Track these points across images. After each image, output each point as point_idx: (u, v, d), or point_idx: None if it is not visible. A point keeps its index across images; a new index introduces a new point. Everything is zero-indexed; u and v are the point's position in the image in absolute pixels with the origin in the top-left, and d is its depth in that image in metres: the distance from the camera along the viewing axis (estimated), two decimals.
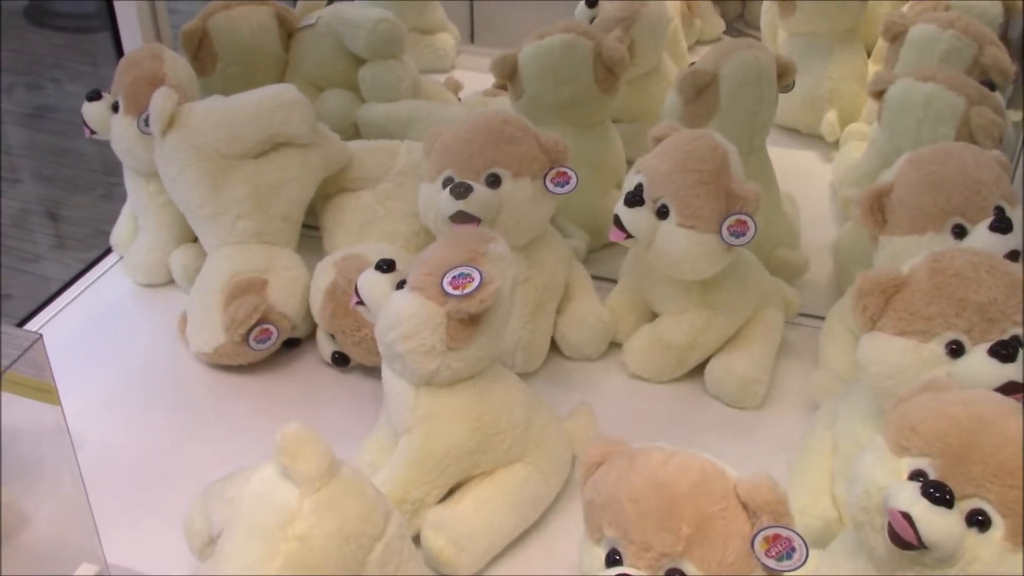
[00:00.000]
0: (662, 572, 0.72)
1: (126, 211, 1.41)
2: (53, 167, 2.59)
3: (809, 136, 1.72)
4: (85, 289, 1.37)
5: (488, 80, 1.47)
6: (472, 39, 2.30)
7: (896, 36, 1.45)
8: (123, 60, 1.31)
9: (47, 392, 0.70)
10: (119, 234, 1.41)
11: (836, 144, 1.68)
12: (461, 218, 1.10)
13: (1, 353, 0.71)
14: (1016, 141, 1.28)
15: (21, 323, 1.30)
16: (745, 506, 0.73)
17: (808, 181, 1.61)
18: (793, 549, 0.72)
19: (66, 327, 1.30)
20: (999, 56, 1.35)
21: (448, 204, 1.10)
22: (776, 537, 0.72)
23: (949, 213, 1.03)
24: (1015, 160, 1.26)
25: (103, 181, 2.50)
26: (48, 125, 2.78)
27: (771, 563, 0.72)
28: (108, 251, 1.43)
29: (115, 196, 2.31)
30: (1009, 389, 0.83)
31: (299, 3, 1.57)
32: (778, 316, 1.22)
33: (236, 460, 0.86)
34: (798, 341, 1.25)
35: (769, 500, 0.72)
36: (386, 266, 0.97)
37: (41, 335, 0.69)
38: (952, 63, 1.37)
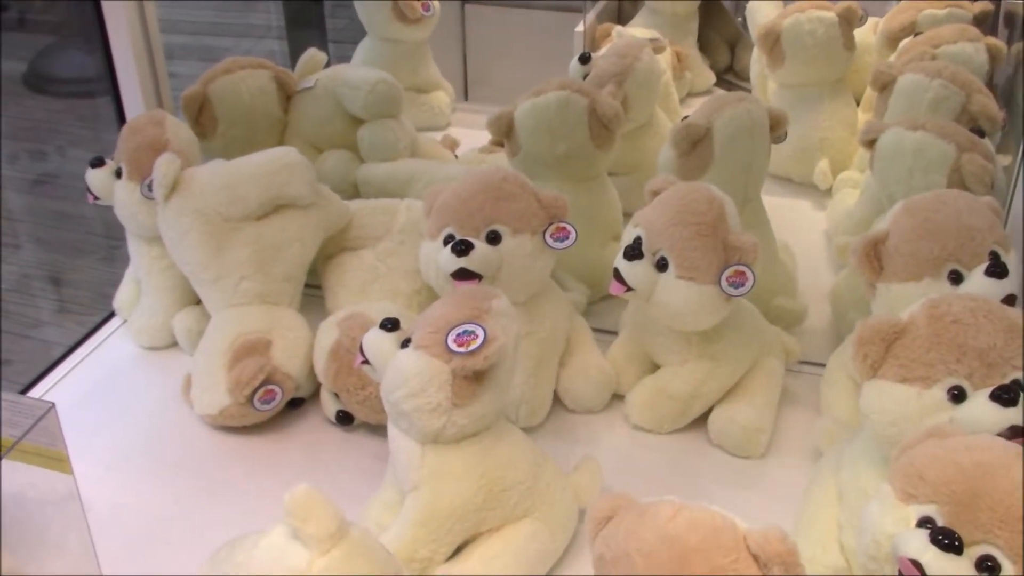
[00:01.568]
0: None
1: (129, 275, 1.42)
2: (54, 231, 2.60)
3: (802, 185, 1.74)
4: (89, 354, 1.37)
5: (483, 136, 1.49)
6: (466, 96, 2.34)
7: (885, 86, 1.47)
8: (126, 127, 1.33)
9: (59, 461, 0.71)
10: (122, 298, 1.42)
11: (829, 192, 1.70)
12: (462, 275, 1.11)
13: (11, 422, 0.71)
14: (1007, 186, 1.30)
15: (25, 389, 1.30)
16: (756, 558, 0.73)
17: (803, 229, 1.63)
18: None
19: (71, 392, 1.30)
20: (987, 104, 1.38)
21: (449, 261, 1.12)
22: None
23: (945, 259, 1.05)
24: (1007, 203, 1.27)
25: (104, 245, 2.51)
26: (50, 191, 2.80)
27: None
28: (111, 315, 1.44)
29: (117, 259, 2.33)
30: (1012, 433, 0.84)
31: (297, 65, 1.60)
32: (778, 365, 1.23)
33: (242, 522, 0.86)
34: (799, 389, 1.26)
35: (780, 551, 0.72)
36: (390, 325, 0.98)
37: (53, 404, 0.70)
38: (941, 112, 1.39)
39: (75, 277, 2.43)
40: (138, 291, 1.39)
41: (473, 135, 1.77)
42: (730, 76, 2.19)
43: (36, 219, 2.67)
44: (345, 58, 2.31)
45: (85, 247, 2.54)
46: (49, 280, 2.44)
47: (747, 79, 1.97)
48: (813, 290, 1.43)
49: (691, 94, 2.08)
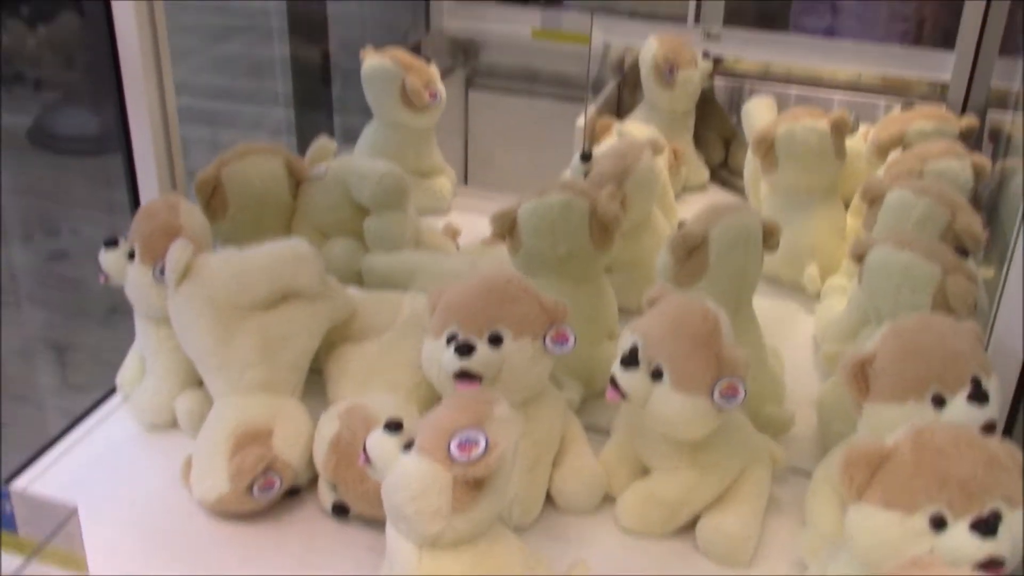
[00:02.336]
0: None
1: (134, 352, 1.44)
2: (55, 293, 2.62)
3: (791, 287, 1.79)
4: (90, 430, 1.39)
5: (484, 222, 1.52)
6: (466, 180, 2.40)
7: (875, 200, 1.53)
8: (141, 210, 1.37)
9: (76, 564, 0.73)
10: (125, 375, 1.44)
11: (818, 295, 1.74)
12: (464, 376, 1.15)
13: (30, 520, 0.73)
14: (989, 305, 1.35)
15: (26, 464, 1.32)
16: None
17: (791, 332, 1.67)
18: None
19: (70, 469, 1.32)
20: (971, 223, 1.43)
21: (451, 362, 1.15)
22: None
23: (929, 383, 1.09)
24: (990, 320, 1.32)
25: (105, 308, 2.53)
26: (49, 246, 2.82)
27: None
28: (112, 390, 1.46)
29: (118, 324, 2.34)
30: (990, 565, 0.87)
31: (308, 153, 1.65)
32: (766, 473, 1.26)
33: None
34: (785, 496, 1.29)
35: None
36: (394, 427, 1.01)
37: (76, 509, 0.72)
38: (927, 228, 1.45)
39: (76, 340, 2.44)
40: (142, 368, 1.42)
41: (474, 221, 1.81)
42: (724, 172, 2.26)
43: (37, 280, 2.69)
44: (350, 128, 2.37)
45: (86, 309, 2.55)
46: (49, 343, 2.46)
47: (741, 175, 2.03)
48: (800, 395, 1.47)
49: (686, 189, 2.14)
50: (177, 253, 1.25)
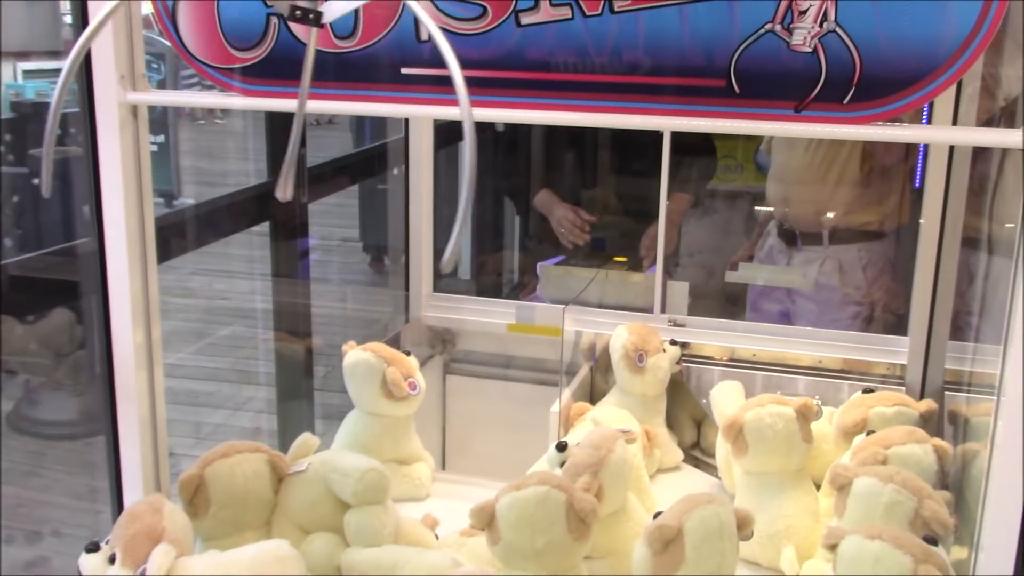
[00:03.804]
0: None
1: None
2: None
3: (770, 570, 1.79)
4: None
5: (462, 510, 1.53)
6: (444, 465, 2.43)
7: (842, 486, 1.57)
8: (124, 513, 1.39)
9: None
10: None
11: None
12: None
13: None
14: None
15: None
16: None
17: None
18: None
19: None
20: (937, 510, 1.47)
21: None
22: None
23: None
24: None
25: None
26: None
27: None
28: None
29: None
30: None
31: (291, 448, 1.69)
32: None
33: None
34: None
35: None
36: None
37: None
38: (895, 515, 1.48)
39: None
40: None
41: (452, 508, 1.83)
42: (697, 452, 2.31)
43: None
44: (329, 406, 2.42)
45: None
46: None
47: (713, 455, 2.08)
48: None
49: (660, 470, 2.18)
50: (160, 558, 1.27)
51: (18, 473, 3.13)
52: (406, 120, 2.53)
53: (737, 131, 1.32)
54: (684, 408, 2.34)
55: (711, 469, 2.15)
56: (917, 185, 2.78)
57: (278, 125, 2.59)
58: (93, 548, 1.37)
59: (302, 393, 2.51)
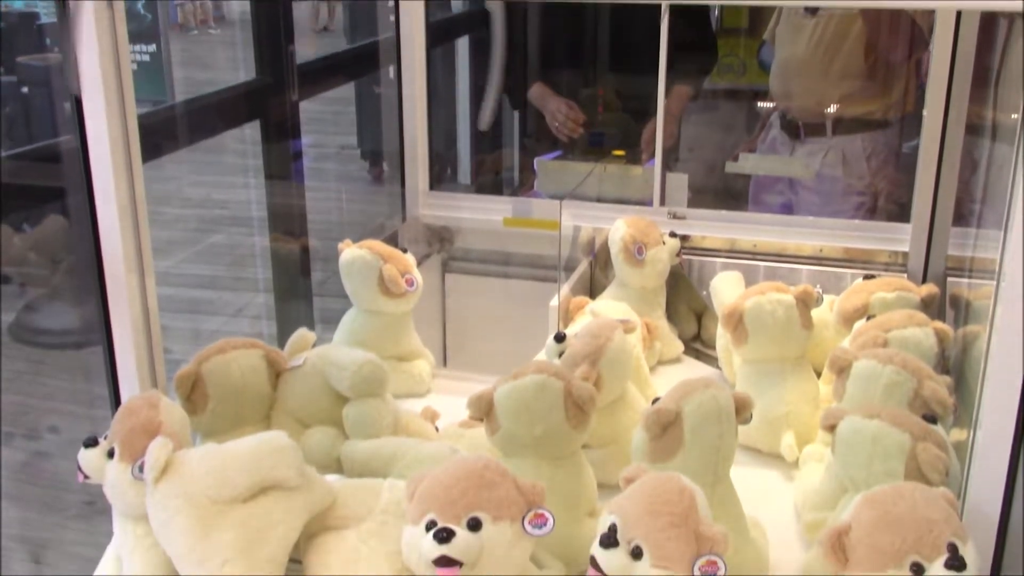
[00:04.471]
0: None
1: (110, 553, 1.43)
2: (29, 488, 2.60)
3: (769, 456, 1.80)
4: None
5: (463, 405, 1.54)
6: (445, 362, 2.43)
7: (842, 369, 1.57)
8: (121, 408, 1.39)
9: None
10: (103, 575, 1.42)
11: (796, 464, 1.75)
12: (444, 562, 1.15)
13: None
14: (960, 471, 1.36)
15: None
16: None
17: (772, 502, 1.67)
18: None
19: None
20: (937, 390, 1.47)
21: (431, 548, 1.15)
22: None
23: (906, 552, 1.10)
24: (962, 486, 1.33)
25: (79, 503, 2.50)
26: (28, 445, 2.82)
27: None
28: None
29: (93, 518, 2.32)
30: None
31: (288, 344, 1.68)
32: None
33: None
34: None
35: None
36: None
37: None
38: (894, 396, 1.48)
39: (50, 536, 2.41)
40: (119, 568, 1.40)
41: (453, 403, 1.83)
42: (698, 344, 2.30)
43: (11, 475, 2.67)
44: (327, 310, 2.42)
45: (61, 506, 2.53)
46: (23, 540, 2.42)
47: (714, 347, 2.07)
48: (785, 566, 1.46)
49: (661, 363, 2.18)
50: (156, 451, 1.27)
51: (22, 382, 3.15)
52: (396, 17, 2.46)
53: (739, 2, 1.27)
54: (684, 301, 2.32)
55: (712, 361, 2.15)
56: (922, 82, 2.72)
57: (265, 31, 2.53)
58: (91, 443, 1.37)
59: (300, 295, 2.51)
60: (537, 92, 3.14)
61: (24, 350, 3.37)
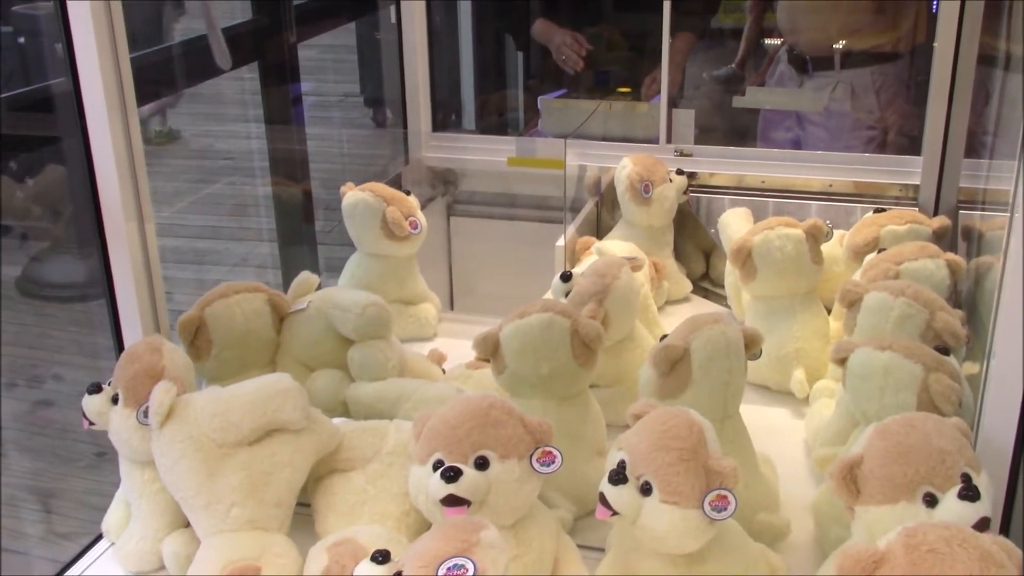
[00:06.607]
0: None
1: (119, 497, 1.43)
2: (39, 439, 2.61)
3: (779, 393, 1.78)
4: None
5: (469, 347, 1.53)
6: (452, 306, 2.41)
7: (852, 303, 1.54)
8: (124, 354, 1.37)
9: None
10: (111, 520, 1.42)
11: (807, 399, 1.74)
12: (452, 501, 1.14)
13: None
14: (974, 402, 1.35)
15: None
16: None
17: (782, 438, 1.66)
18: None
19: None
20: (949, 321, 1.44)
21: (438, 487, 1.14)
22: None
23: (918, 483, 1.08)
24: (975, 419, 1.32)
25: (90, 453, 2.51)
26: (36, 395, 2.83)
27: None
28: (99, 537, 1.44)
29: (103, 469, 2.33)
30: None
31: (291, 288, 1.67)
32: None
33: None
34: None
35: None
36: (381, 557, 1.00)
37: None
38: (906, 328, 1.46)
39: (61, 487, 2.42)
40: (127, 513, 1.40)
41: (460, 346, 1.82)
42: (706, 283, 2.28)
43: (21, 426, 2.68)
44: (332, 259, 2.40)
45: (71, 456, 2.54)
46: (33, 491, 2.43)
47: (722, 286, 2.05)
48: (795, 501, 1.45)
49: (669, 302, 2.16)
50: (160, 395, 1.26)
51: (30, 335, 3.16)
52: None
53: None
54: (692, 239, 2.30)
55: (721, 300, 2.13)
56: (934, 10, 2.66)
57: None
58: (95, 389, 1.36)
59: (304, 243, 2.49)
60: (541, 28, 3.08)
61: (32, 303, 3.37)
